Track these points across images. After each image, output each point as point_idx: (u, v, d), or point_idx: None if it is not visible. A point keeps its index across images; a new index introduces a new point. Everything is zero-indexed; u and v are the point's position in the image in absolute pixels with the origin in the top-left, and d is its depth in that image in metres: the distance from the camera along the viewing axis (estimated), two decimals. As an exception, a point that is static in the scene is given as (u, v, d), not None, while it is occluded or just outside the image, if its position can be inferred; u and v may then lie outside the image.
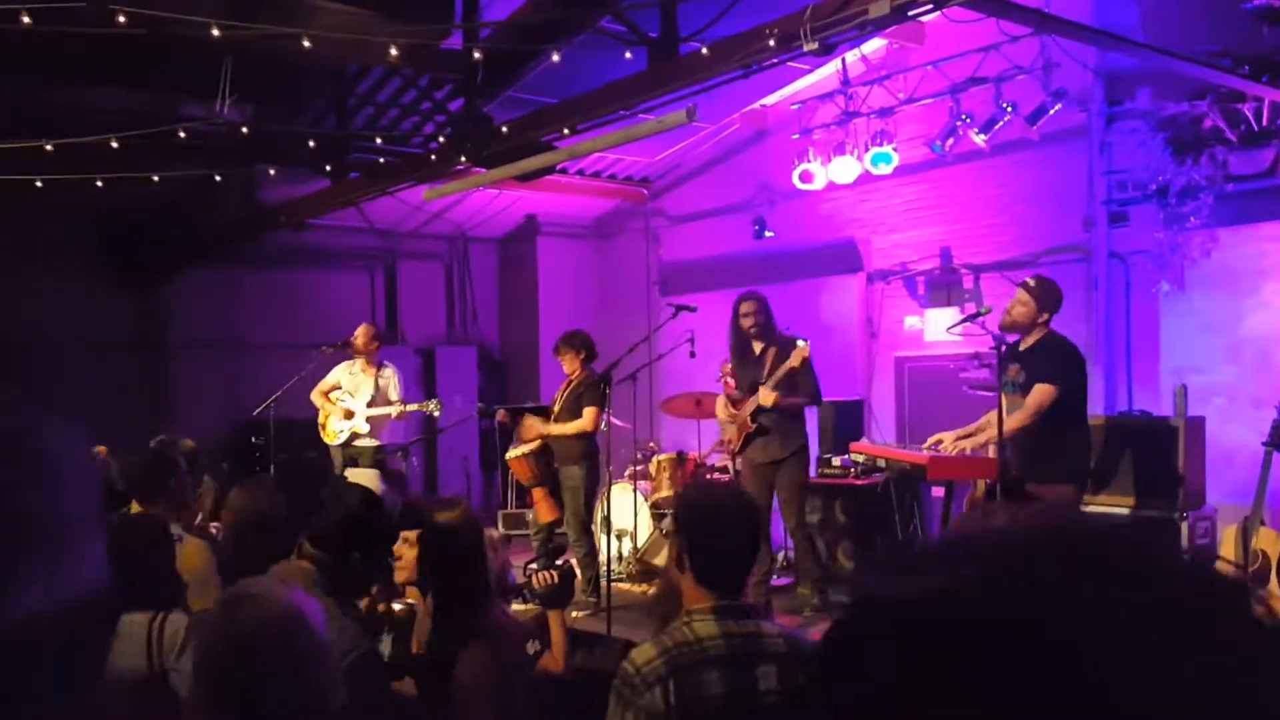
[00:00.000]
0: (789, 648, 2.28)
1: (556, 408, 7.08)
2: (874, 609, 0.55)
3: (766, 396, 6.20)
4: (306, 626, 1.88)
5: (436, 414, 7.83)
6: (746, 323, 6.32)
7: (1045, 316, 5.18)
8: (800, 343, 6.22)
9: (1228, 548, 5.51)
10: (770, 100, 9.38)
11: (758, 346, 6.38)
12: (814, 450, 8.01)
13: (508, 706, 2.71)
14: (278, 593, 2.00)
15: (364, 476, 3.89)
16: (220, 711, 1.84)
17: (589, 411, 6.84)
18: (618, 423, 7.76)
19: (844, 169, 8.39)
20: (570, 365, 7.10)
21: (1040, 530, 0.56)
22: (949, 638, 0.50)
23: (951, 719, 0.48)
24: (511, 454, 7.10)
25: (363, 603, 3.26)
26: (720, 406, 6.77)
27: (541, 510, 7.02)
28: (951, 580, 0.52)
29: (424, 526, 3.00)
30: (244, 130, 6.82)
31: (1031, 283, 5.29)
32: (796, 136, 8.75)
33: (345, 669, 2.48)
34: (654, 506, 7.67)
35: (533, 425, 7.07)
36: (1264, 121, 6.83)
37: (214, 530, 4.82)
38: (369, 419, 7.65)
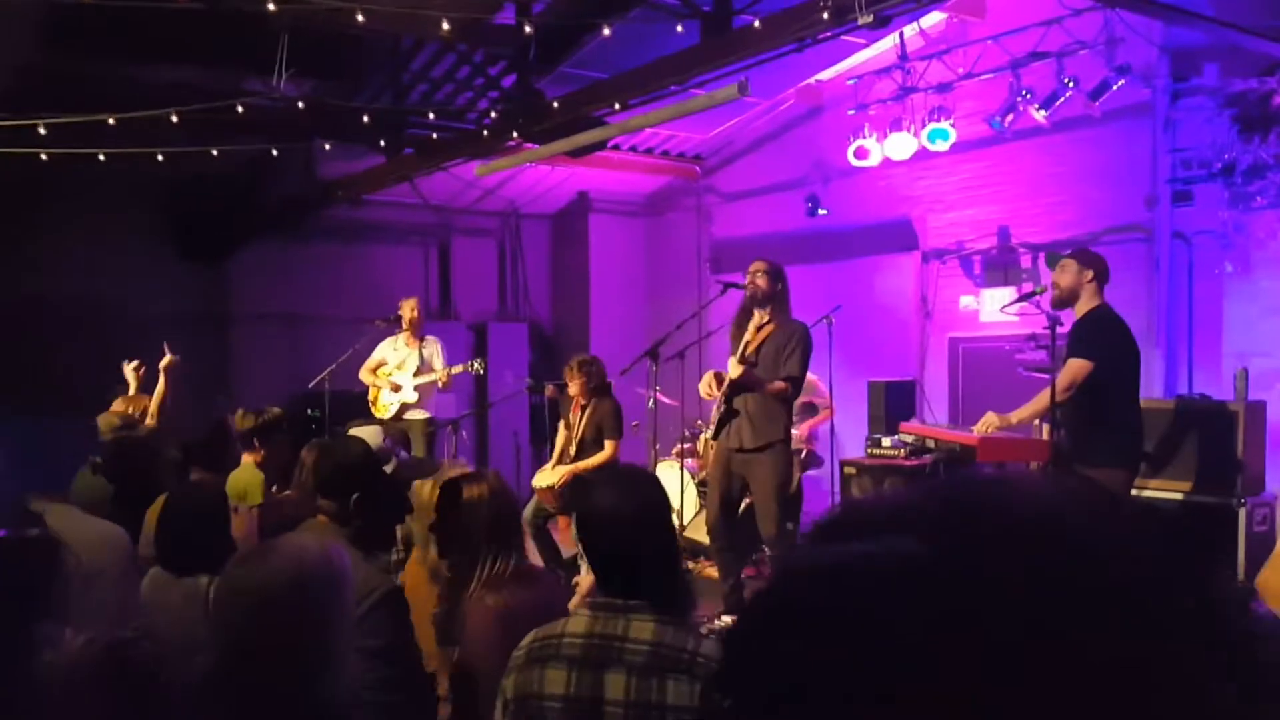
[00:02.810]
0: (651, 658, 2.06)
1: (577, 433, 6.87)
2: (789, 582, 0.53)
3: (735, 368, 5.58)
4: (325, 577, 1.93)
5: (480, 371, 7.91)
6: (749, 285, 5.68)
7: (1090, 276, 5.03)
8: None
9: (1288, 535, 5.39)
10: (826, 75, 9.27)
11: (760, 317, 5.71)
12: (861, 430, 7.97)
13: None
14: (300, 545, 2.05)
15: (364, 432, 4.04)
16: (235, 660, 1.89)
17: (610, 444, 6.76)
18: (666, 400, 7.76)
19: (900, 145, 8.27)
20: (576, 388, 6.85)
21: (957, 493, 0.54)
22: (872, 610, 0.48)
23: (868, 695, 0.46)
24: (539, 482, 6.96)
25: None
26: (704, 383, 5.93)
27: (566, 540, 6.88)
28: (876, 549, 0.50)
29: (447, 498, 3.05)
30: (300, 105, 6.90)
31: (1068, 253, 5.24)
32: (852, 112, 8.64)
33: (367, 609, 2.54)
34: (700, 484, 7.67)
35: (560, 471, 6.81)
36: (1336, 98, 6.61)
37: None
38: (416, 388, 7.76)
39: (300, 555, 1.99)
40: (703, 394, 6.02)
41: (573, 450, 6.91)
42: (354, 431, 4.28)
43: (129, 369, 6.57)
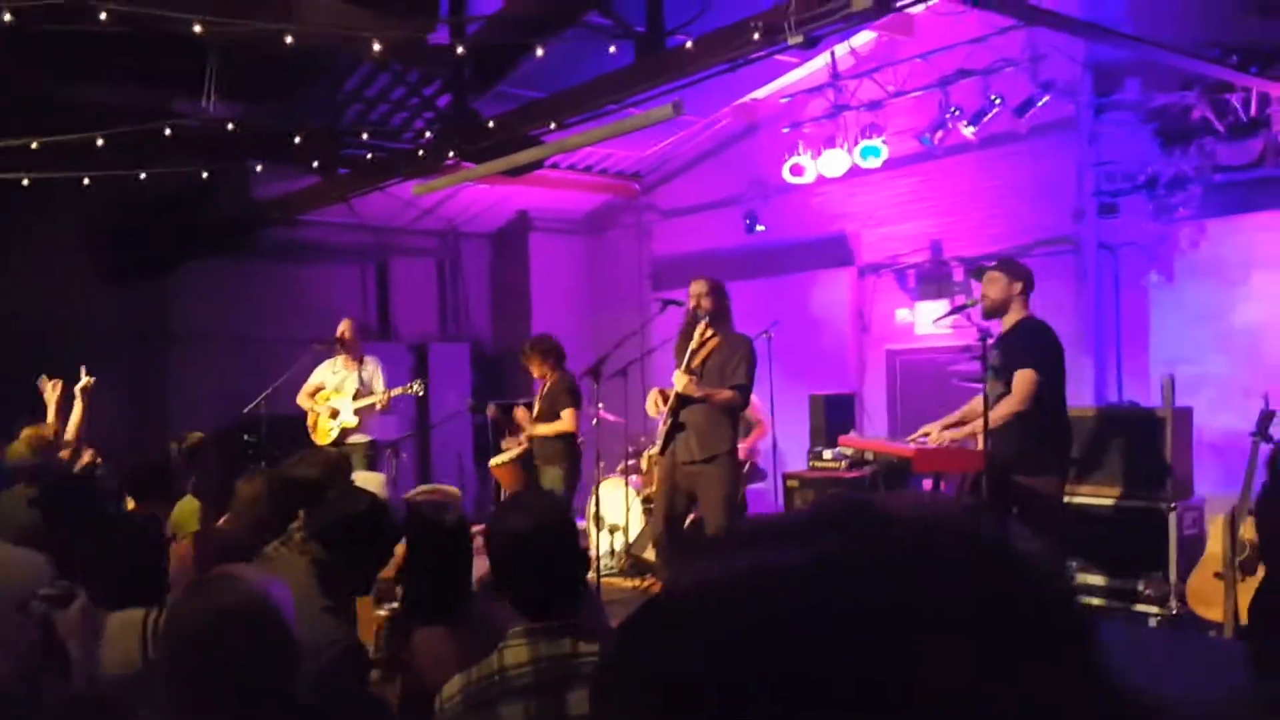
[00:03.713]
0: None
1: (535, 412, 7.15)
2: (665, 599, 0.55)
3: (680, 379, 5.58)
4: (271, 615, 1.89)
5: (420, 392, 7.86)
6: (692, 304, 5.70)
7: (1019, 287, 5.18)
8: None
9: (1215, 538, 5.52)
10: (760, 94, 9.38)
11: (703, 332, 5.74)
12: (803, 443, 8.03)
13: None
14: (247, 579, 2.01)
15: (370, 480, 3.90)
16: (183, 692, 1.85)
17: (567, 413, 6.86)
18: (609, 417, 7.76)
19: (834, 162, 8.39)
20: (538, 370, 7.12)
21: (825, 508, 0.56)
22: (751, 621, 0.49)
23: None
24: (496, 461, 7.12)
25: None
26: (650, 400, 5.99)
27: None
28: (750, 565, 0.52)
29: (419, 531, 3.00)
30: (230, 126, 6.82)
31: (994, 263, 5.38)
32: (786, 130, 8.75)
33: (323, 663, 2.49)
34: (645, 501, 7.67)
35: (523, 419, 7.12)
36: (1252, 112, 6.83)
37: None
38: (356, 411, 7.66)
39: (249, 590, 1.95)
40: (649, 412, 6.03)
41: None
42: (360, 479, 4.16)
43: (48, 386, 6.22)
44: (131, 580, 3.04)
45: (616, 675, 0.54)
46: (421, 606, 2.89)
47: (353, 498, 3.18)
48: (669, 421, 5.74)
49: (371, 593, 3.72)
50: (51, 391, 6.14)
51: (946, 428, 5.43)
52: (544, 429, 6.94)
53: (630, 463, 8.18)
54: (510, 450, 7.14)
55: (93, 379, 6.13)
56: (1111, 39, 6.28)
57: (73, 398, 6.17)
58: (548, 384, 7.09)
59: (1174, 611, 5.82)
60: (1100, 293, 7.67)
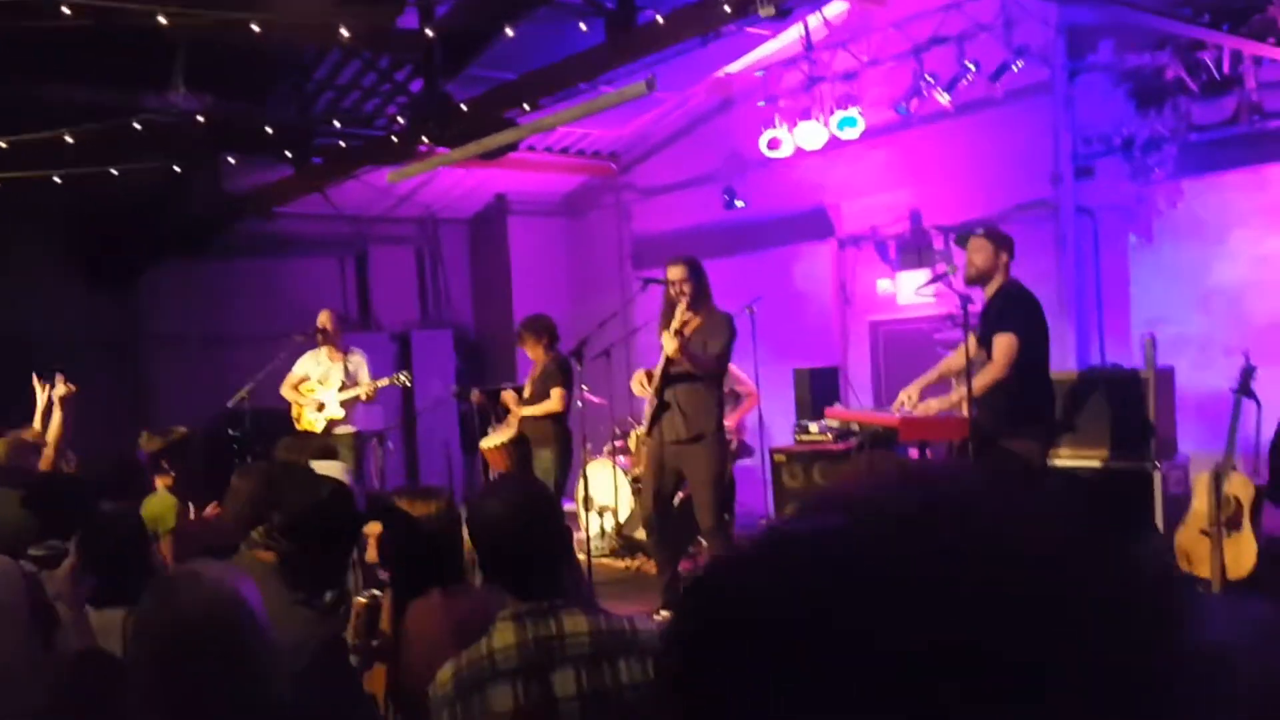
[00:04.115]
0: (595, 646, 2.10)
1: (526, 394, 7.14)
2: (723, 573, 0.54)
3: (669, 342, 5.56)
4: (244, 612, 1.87)
5: (407, 384, 7.82)
6: (673, 290, 5.70)
7: (1004, 257, 5.20)
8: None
9: (1200, 495, 5.56)
10: (734, 68, 9.33)
11: (683, 314, 5.72)
12: (789, 418, 8.04)
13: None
14: (215, 577, 1.98)
15: (331, 468, 3.84)
16: (156, 694, 1.82)
17: (556, 393, 6.86)
18: (594, 399, 7.75)
19: (811, 135, 8.36)
20: (534, 351, 7.11)
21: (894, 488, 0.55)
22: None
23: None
24: (486, 443, 7.12)
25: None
26: (635, 381, 5.98)
27: None
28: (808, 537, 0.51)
29: (390, 519, 2.97)
30: (200, 120, 6.74)
31: (980, 230, 5.37)
32: (762, 104, 8.70)
33: (303, 661, 2.46)
34: (634, 481, 7.67)
35: (509, 401, 7.13)
36: (1225, 70, 6.83)
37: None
38: (342, 403, 7.63)
39: (214, 589, 1.92)
40: (635, 391, 6.04)
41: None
42: (319, 467, 4.12)
43: (40, 389, 6.03)
44: (117, 580, 3.01)
45: (687, 633, 0.53)
46: (403, 594, 2.87)
47: (313, 486, 3.12)
48: (655, 401, 5.75)
49: (347, 582, 3.70)
50: (41, 394, 5.99)
51: (924, 387, 5.46)
52: (531, 410, 6.93)
53: (617, 444, 8.18)
54: (501, 433, 7.13)
55: (73, 387, 5.97)
56: (1083, 0, 6.26)
57: (51, 404, 6.04)
58: (539, 365, 7.08)
59: (1162, 570, 5.86)
60: (1080, 256, 7.68)
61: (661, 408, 5.74)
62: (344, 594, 3.56)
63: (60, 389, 5.87)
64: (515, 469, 7.01)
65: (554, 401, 6.86)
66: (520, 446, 7.08)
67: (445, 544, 2.95)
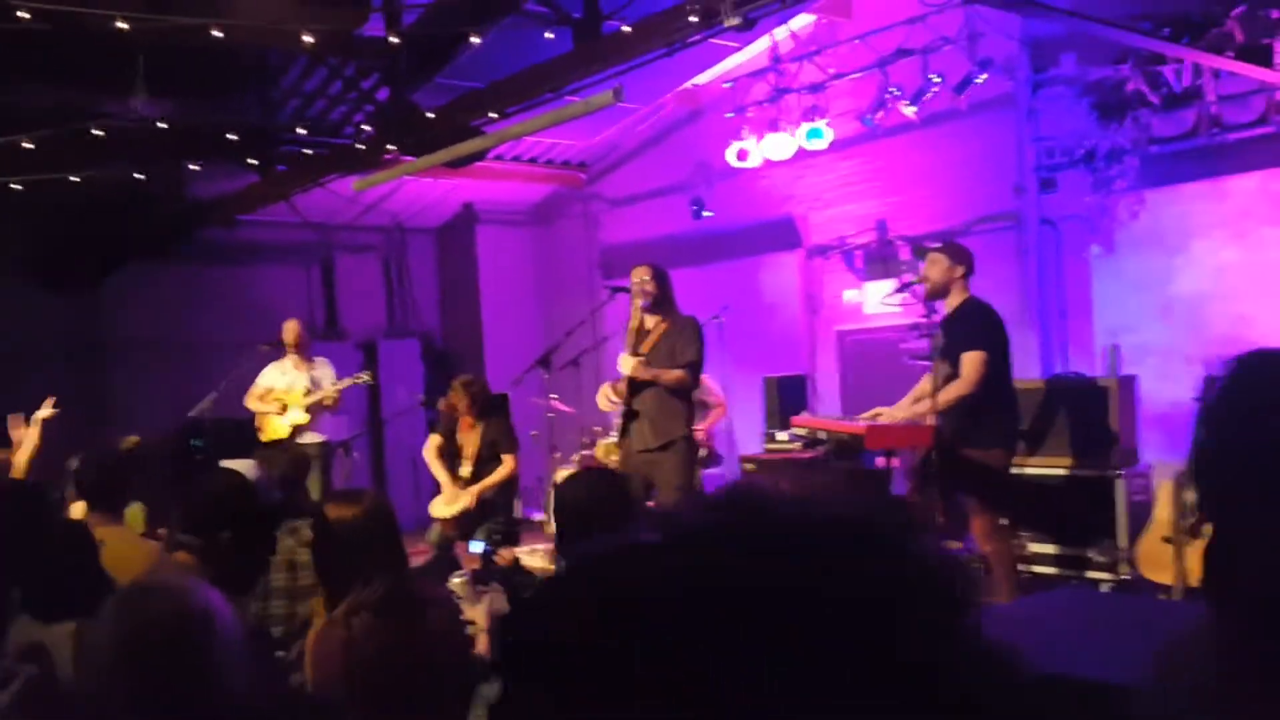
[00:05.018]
0: None
1: (470, 451, 6.77)
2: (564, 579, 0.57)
3: (626, 362, 5.55)
4: (211, 618, 1.83)
5: (369, 381, 7.74)
6: (635, 290, 5.69)
7: (960, 271, 5.23)
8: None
9: (1163, 503, 5.62)
10: (702, 79, 9.36)
11: (649, 321, 5.74)
12: (758, 426, 8.05)
13: (411, 679, 2.58)
14: (181, 585, 1.95)
15: (239, 465, 3.85)
16: (115, 708, 1.79)
17: (508, 459, 6.68)
18: (563, 408, 7.73)
19: (778, 146, 8.39)
20: (462, 408, 6.77)
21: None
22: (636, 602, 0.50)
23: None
24: (437, 513, 6.81)
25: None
26: (601, 394, 5.96)
27: (468, 561, 6.70)
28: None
29: (316, 522, 2.94)
30: (161, 125, 6.66)
31: (937, 245, 5.42)
32: (730, 115, 8.73)
33: None
34: (601, 490, 7.65)
35: (456, 496, 6.71)
36: (1185, 83, 6.92)
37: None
38: (307, 408, 7.55)
39: (182, 597, 1.89)
40: (602, 407, 6.02)
41: (468, 472, 6.80)
42: (228, 464, 4.09)
43: (21, 425, 5.70)
44: (65, 590, 2.95)
45: (510, 652, 0.55)
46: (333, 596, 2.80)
47: (212, 480, 3.12)
48: (625, 411, 5.74)
49: (261, 583, 3.67)
50: (19, 432, 5.75)
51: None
52: (487, 483, 6.64)
53: (585, 453, 8.16)
54: (452, 504, 6.80)
55: (56, 410, 5.77)
56: (1045, 13, 6.32)
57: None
58: (488, 428, 6.76)
59: (1125, 576, 5.91)
60: (1043, 267, 7.76)
61: (631, 416, 5.72)
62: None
63: (46, 411, 5.70)
64: (465, 535, 6.70)
65: (506, 469, 6.65)
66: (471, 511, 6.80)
67: (360, 546, 2.88)
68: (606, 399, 5.89)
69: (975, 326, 5.15)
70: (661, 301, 5.71)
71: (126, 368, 9.71)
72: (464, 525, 6.59)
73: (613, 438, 7.56)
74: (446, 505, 6.70)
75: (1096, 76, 7.30)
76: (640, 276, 5.71)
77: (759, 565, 0.49)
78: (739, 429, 7.90)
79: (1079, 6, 6.41)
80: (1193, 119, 6.98)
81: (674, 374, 5.58)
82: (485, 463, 6.73)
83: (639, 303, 5.68)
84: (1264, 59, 6.39)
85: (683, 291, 6.02)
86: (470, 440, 6.80)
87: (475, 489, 6.64)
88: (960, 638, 0.50)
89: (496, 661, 0.58)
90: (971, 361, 5.05)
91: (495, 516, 6.78)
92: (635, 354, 5.66)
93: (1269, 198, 6.80)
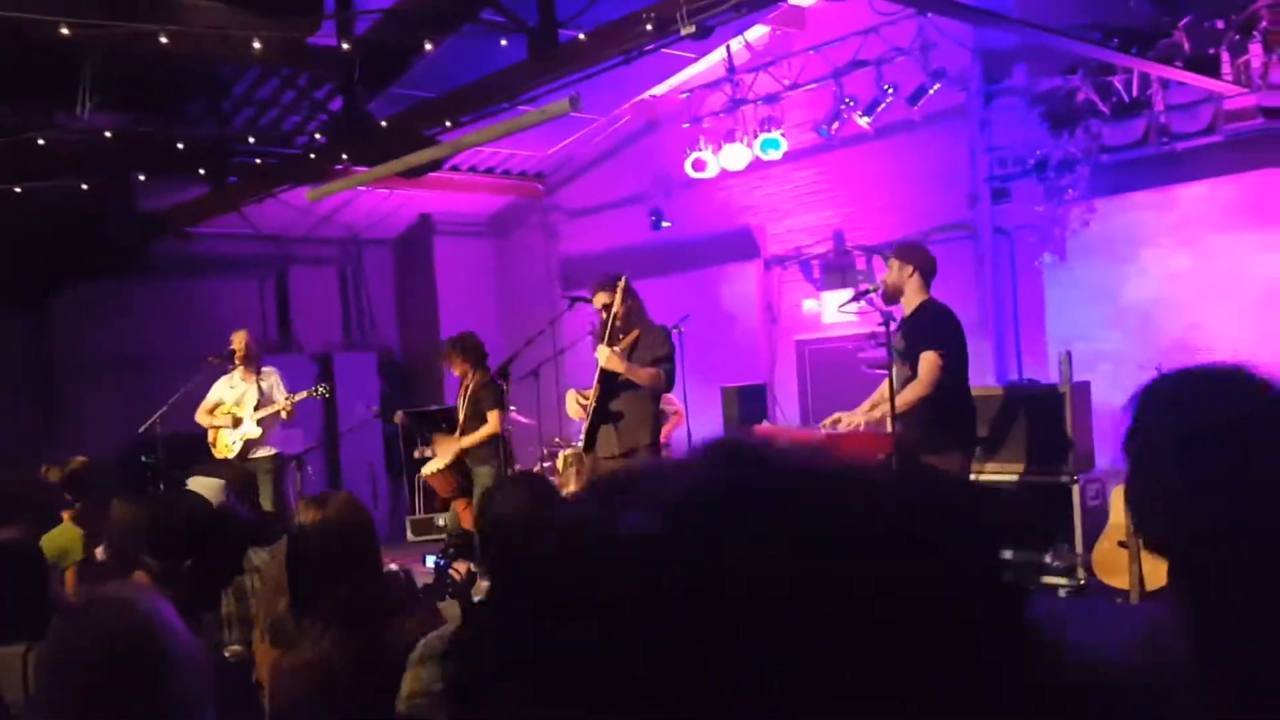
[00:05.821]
0: None
1: (461, 416, 6.94)
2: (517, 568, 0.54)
3: (602, 353, 5.54)
4: (165, 633, 1.77)
5: (325, 395, 7.64)
6: (604, 315, 5.71)
7: (911, 270, 5.26)
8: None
9: (1118, 508, 5.66)
10: (659, 90, 9.37)
11: (621, 333, 5.71)
12: (717, 435, 8.03)
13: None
14: (131, 599, 1.88)
15: (205, 486, 3.75)
16: None
17: (492, 415, 6.72)
18: (522, 419, 7.67)
19: (735, 156, 8.42)
20: (459, 369, 6.94)
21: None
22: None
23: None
24: (428, 470, 6.92)
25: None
26: (570, 400, 5.96)
27: (466, 520, 6.86)
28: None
29: (287, 526, 2.87)
30: (108, 136, 6.54)
31: (893, 250, 5.47)
32: (687, 125, 8.76)
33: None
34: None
35: (448, 447, 6.89)
36: (1134, 92, 7.03)
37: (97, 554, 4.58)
38: (259, 422, 7.41)
39: (122, 614, 1.82)
40: (571, 414, 5.99)
41: (458, 433, 6.88)
42: (193, 484, 4.01)
43: None
44: (13, 612, 2.86)
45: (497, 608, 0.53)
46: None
47: (180, 505, 3.03)
48: (590, 418, 5.72)
49: (222, 605, 3.59)
50: None
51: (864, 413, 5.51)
52: (471, 439, 6.76)
53: (546, 464, 8.11)
54: (439, 458, 6.92)
55: None
56: (997, 24, 6.40)
57: None
58: (469, 385, 6.93)
59: (1081, 581, 5.95)
60: (997, 275, 7.83)
61: (599, 421, 5.71)
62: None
63: None
64: (459, 491, 6.87)
65: (491, 425, 6.73)
66: (460, 468, 6.91)
67: (332, 550, 2.82)
68: (575, 404, 5.88)
69: (928, 328, 5.18)
70: (630, 315, 5.72)
71: (77, 383, 9.50)
72: (456, 485, 6.75)
73: (576, 446, 7.57)
74: (434, 463, 6.87)
75: (1048, 86, 7.39)
76: (602, 301, 5.71)
77: (794, 561, 0.45)
78: (698, 438, 7.89)
79: (1029, 17, 6.48)
80: (1142, 128, 7.08)
81: (648, 371, 5.59)
82: (470, 420, 6.81)
83: (613, 323, 5.65)
84: (1212, 69, 6.51)
85: (644, 302, 6.00)
86: (461, 402, 6.93)
87: (455, 446, 6.73)
88: (1027, 635, 0.47)
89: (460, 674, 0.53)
90: (926, 361, 5.07)
91: (452, 530, 6.78)
92: (609, 341, 5.62)
93: (1217, 206, 6.91)
